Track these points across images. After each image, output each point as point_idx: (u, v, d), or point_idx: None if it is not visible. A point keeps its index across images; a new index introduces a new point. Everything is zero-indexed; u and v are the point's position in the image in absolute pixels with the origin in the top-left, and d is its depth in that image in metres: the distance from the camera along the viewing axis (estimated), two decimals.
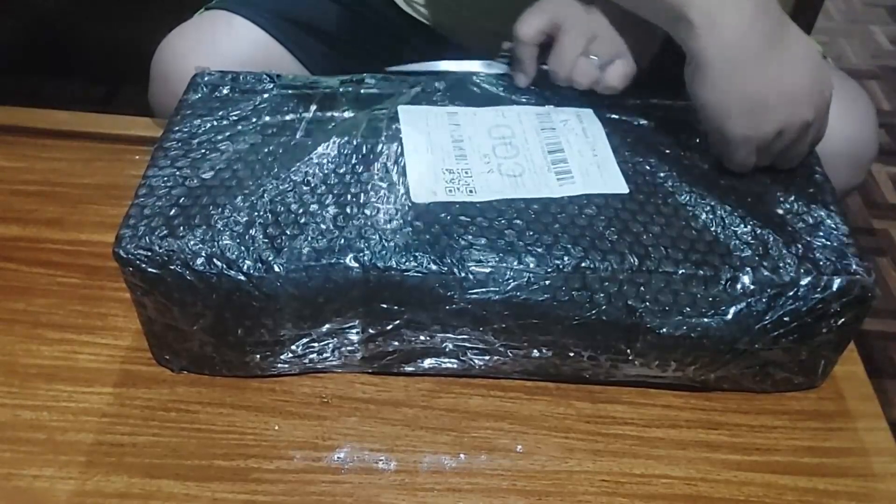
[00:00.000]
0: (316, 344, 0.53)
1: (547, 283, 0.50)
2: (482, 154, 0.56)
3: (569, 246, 0.51)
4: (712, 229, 0.53)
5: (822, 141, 0.62)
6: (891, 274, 1.35)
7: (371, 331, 0.52)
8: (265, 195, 0.52)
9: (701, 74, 0.53)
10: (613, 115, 0.60)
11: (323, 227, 0.51)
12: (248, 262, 0.49)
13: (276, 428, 0.53)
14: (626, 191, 0.54)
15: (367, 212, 0.52)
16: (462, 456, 0.53)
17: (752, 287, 0.50)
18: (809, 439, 0.55)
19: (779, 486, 0.52)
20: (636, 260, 0.50)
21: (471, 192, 0.54)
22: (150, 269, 0.49)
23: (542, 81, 0.62)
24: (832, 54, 1.88)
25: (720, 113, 0.54)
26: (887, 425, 0.56)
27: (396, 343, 0.53)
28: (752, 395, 0.57)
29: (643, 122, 0.60)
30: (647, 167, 0.56)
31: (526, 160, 0.56)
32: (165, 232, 0.50)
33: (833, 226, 0.54)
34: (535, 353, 0.53)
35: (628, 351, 0.52)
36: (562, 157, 0.56)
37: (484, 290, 0.49)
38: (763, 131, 0.53)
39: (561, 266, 0.50)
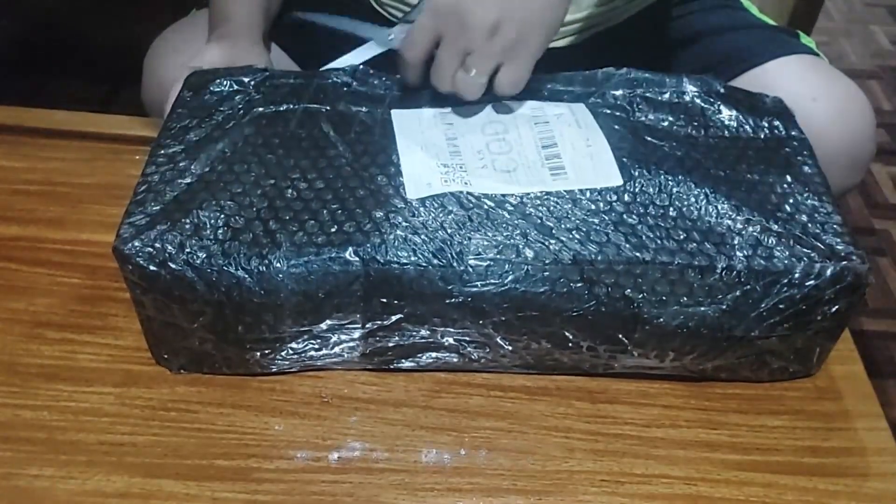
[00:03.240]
0: (316, 340, 0.53)
1: (545, 274, 0.50)
2: (475, 150, 0.56)
3: (566, 238, 0.51)
4: (706, 219, 0.53)
5: (819, 140, 0.62)
6: (891, 274, 1.35)
7: (371, 325, 0.52)
8: (263, 191, 0.53)
9: None
10: (606, 109, 0.61)
11: (322, 221, 0.51)
12: (248, 257, 0.49)
13: (277, 428, 0.53)
14: (620, 182, 0.55)
15: (366, 206, 0.52)
16: (462, 455, 0.53)
17: (746, 275, 0.51)
18: (809, 439, 0.55)
19: (779, 485, 0.52)
20: (633, 251, 0.51)
21: (466, 184, 0.54)
22: (150, 267, 0.49)
23: (533, 76, 0.63)
24: (832, 54, 1.88)
25: None
26: (887, 425, 0.56)
27: (396, 338, 0.53)
28: (752, 395, 0.57)
29: (636, 114, 0.61)
30: (640, 158, 0.56)
31: (519, 155, 0.56)
32: (165, 229, 0.50)
33: (825, 214, 0.54)
34: (535, 345, 0.53)
35: (627, 341, 0.52)
36: (555, 151, 0.56)
37: (483, 282, 0.50)
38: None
39: (559, 258, 0.50)
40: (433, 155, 0.56)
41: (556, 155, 0.56)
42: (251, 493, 0.50)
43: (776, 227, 0.53)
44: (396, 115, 0.59)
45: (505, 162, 0.56)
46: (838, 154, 0.66)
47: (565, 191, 0.54)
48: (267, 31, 0.71)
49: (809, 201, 0.55)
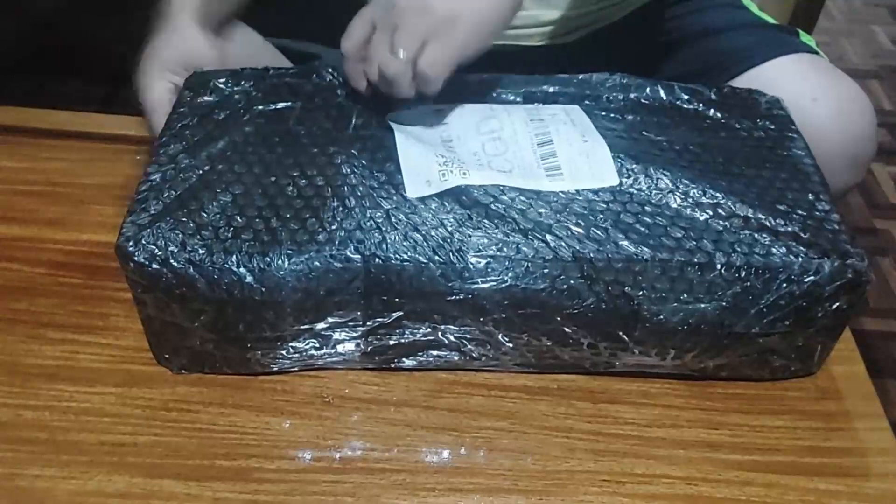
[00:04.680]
0: (317, 339, 0.53)
1: (545, 272, 0.50)
2: (472, 153, 0.56)
3: (566, 235, 0.51)
4: (703, 217, 0.53)
5: (820, 140, 0.62)
6: (892, 274, 1.35)
7: (371, 323, 0.52)
8: (264, 189, 0.53)
9: None
10: (601, 112, 0.61)
11: (322, 219, 0.51)
12: (249, 255, 0.49)
13: (278, 428, 0.53)
14: (617, 182, 0.55)
15: (366, 204, 0.52)
16: (463, 455, 0.53)
17: (745, 272, 0.51)
18: (810, 439, 0.55)
19: (780, 485, 0.52)
20: (632, 248, 0.51)
21: (464, 174, 0.54)
22: (152, 265, 0.49)
23: (526, 78, 0.62)
24: (833, 54, 1.88)
25: None
26: (888, 425, 0.56)
27: (397, 336, 0.53)
28: (753, 395, 0.57)
29: (630, 116, 0.61)
30: (636, 157, 0.56)
31: (515, 156, 0.56)
32: (167, 227, 0.50)
33: (823, 212, 0.54)
34: (535, 342, 0.53)
35: (627, 338, 0.53)
36: (551, 149, 0.56)
37: (483, 279, 0.50)
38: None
39: (559, 255, 0.50)
40: (430, 155, 0.56)
41: (552, 154, 0.56)
42: (252, 494, 0.50)
43: (774, 224, 0.53)
44: (392, 115, 0.59)
45: (501, 164, 0.56)
46: (839, 154, 0.66)
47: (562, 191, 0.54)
48: (229, 19, 0.68)
49: (807, 199, 0.55)
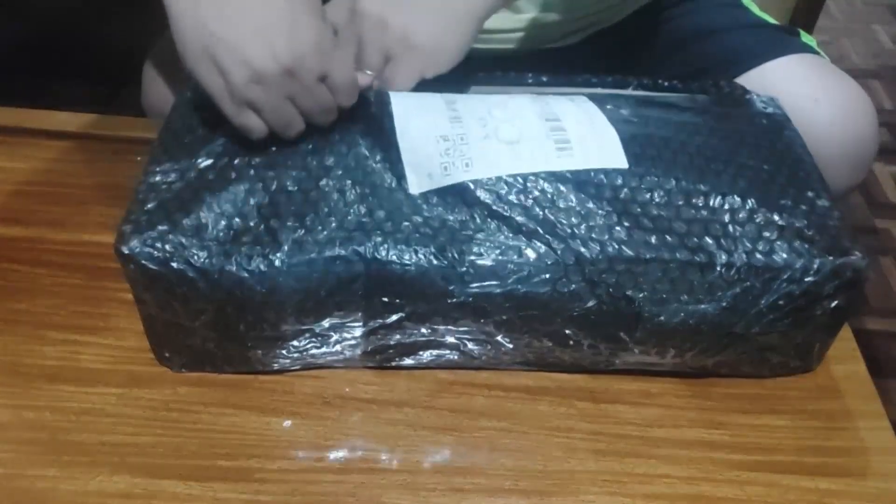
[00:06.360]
0: (317, 338, 0.53)
1: (547, 275, 0.50)
2: (478, 117, 0.55)
3: (568, 237, 0.51)
4: (705, 216, 0.53)
5: (821, 141, 0.62)
6: (893, 273, 1.35)
7: (372, 324, 0.52)
8: (264, 189, 0.52)
9: (171, 24, 0.51)
10: (605, 104, 0.60)
11: (324, 219, 0.51)
12: (248, 256, 0.49)
13: (279, 428, 0.53)
14: (626, 165, 0.54)
15: (368, 204, 0.52)
16: (464, 455, 0.53)
17: (746, 272, 0.51)
18: (811, 439, 0.55)
19: (781, 485, 0.52)
20: (635, 248, 0.51)
21: (467, 165, 0.53)
22: (151, 266, 0.49)
23: (533, 67, 0.62)
24: (834, 54, 1.88)
25: (187, 60, 0.51)
26: (889, 425, 0.56)
27: (398, 336, 0.53)
28: (754, 394, 0.57)
29: (628, 114, 0.60)
30: (637, 158, 0.56)
31: (523, 123, 0.55)
32: (166, 228, 0.50)
33: (824, 210, 0.54)
34: (536, 343, 0.53)
35: (628, 339, 0.53)
36: (559, 125, 0.55)
37: (485, 283, 0.50)
38: (232, 77, 0.49)
39: (561, 258, 0.50)
40: (432, 142, 0.55)
41: (560, 128, 0.55)
42: (253, 494, 0.50)
43: (774, 223, 0.53)
44: (396, 97, 0.58)
45: (508, 130, 0.54)
46: (841, 154, 0.66)
47: (569, 173, 0.53)
48: None
49: (806, 197, 0.55)
